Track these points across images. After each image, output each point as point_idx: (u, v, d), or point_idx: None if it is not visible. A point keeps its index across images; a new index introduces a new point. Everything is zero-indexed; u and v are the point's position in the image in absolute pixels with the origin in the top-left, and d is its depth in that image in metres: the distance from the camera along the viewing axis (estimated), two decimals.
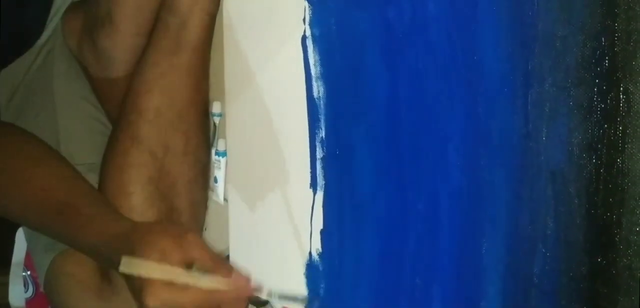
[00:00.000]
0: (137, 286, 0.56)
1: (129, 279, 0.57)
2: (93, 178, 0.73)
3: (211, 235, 0.77)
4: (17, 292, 0.93)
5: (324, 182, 0.64)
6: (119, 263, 0.57)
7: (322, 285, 0.65)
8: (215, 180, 0.75)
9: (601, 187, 0.46)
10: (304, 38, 0.63)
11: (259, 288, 0.59)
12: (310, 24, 0.62)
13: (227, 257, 0.75)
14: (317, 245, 0.65)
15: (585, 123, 0.46)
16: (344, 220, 0.62)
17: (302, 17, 0.62)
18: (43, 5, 0.75)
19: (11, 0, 0.69)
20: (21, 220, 0.71)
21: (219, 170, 0.74)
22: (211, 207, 0.76)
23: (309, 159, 0.65)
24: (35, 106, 0.76)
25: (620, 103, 0.44)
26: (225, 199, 0.75)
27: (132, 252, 0.56)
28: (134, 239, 0.57)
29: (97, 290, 0.70)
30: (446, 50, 0.53)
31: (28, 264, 0.93)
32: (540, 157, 0.49)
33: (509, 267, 0.52)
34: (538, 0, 0.48)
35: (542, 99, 0.48)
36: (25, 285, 0.93)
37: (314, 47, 0.62)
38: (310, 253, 0.66)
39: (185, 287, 0.55)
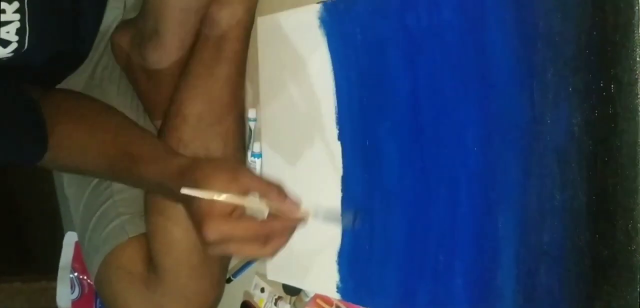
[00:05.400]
0: (196, 219, 0.59)
1: (190, 211, 0.60)
2: None
3: None
4: (64, 293, 0.99)
5: (354, 176, 0.68)
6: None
7: (354, 269, 0.69)
8: None
9: (598, 160, 0.51)
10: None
11: (306, 214, 0.62)
12: (337, 34, 0.68)
13: None
14: (348, 236, 0.69)
15: (583, 106, 0.51)
16: (373, 208, 0.66)
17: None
18: (93, 25, 0.80)
19: (67, 19, 0.75)
20: (93, 168, 0.73)
21: (255, 170, 0.80)
22: None
23: (340, 158, 0.69)
24: None
25: (611, 86, 0.49)
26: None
27: (195, 184, 0.58)
28: (196, 171, 0.60)
29: (144, 279, 0.76)
30: (459, 51, 0.58)
31: (75, 267, 0.99)
32: (546, 138, 0.54)
33: (522, 238, 0.56)
34: (537, 2, 0.53)
35: (546, 88, 0.53)
36: (72, 287, 0.99)
37: (341, 55, 0.68)
38: (342, 244, 0.70)
39: (240, 219, 0.58)
